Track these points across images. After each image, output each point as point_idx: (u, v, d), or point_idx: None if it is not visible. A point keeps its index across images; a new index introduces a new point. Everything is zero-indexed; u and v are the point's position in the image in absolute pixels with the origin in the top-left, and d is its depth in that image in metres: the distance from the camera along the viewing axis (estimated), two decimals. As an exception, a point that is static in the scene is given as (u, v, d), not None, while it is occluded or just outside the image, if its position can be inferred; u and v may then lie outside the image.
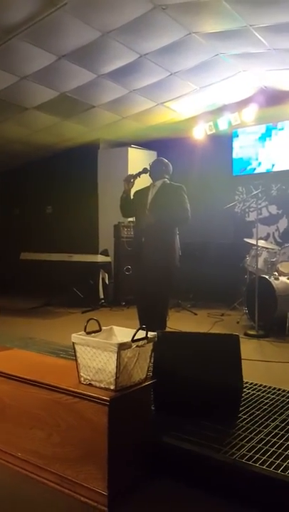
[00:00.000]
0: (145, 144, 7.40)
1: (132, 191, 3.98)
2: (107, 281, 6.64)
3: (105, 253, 6.80)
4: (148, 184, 3.96)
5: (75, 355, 1.97)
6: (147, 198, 3.87)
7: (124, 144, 7.32)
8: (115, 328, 2.16)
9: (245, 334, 4.61)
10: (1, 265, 7.89)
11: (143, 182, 4.03)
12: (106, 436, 1.81)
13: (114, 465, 1.85)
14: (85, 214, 7.55)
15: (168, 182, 3.92)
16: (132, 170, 7.15)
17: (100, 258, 6.49)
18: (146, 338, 1.96)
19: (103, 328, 2.13)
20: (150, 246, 3.72)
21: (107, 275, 6.64)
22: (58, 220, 8.00)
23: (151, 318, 3.78)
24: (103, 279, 6.58)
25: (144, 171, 3.93)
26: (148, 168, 3.97)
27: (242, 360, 2.39)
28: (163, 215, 3.69)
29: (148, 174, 3.97)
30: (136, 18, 4.03)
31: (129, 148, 7.24)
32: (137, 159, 7.30)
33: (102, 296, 6.53)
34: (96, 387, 1.90)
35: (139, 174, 3.95)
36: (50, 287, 6.51)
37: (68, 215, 7.77)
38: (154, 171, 3.93)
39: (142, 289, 3.88)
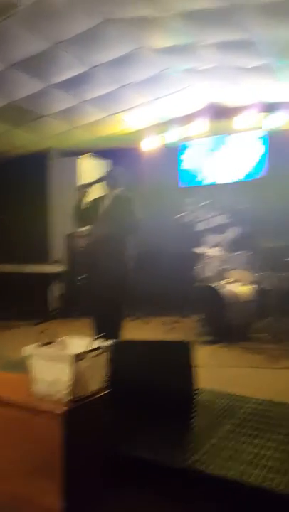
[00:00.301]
0: (96, 154, 7.42)
1: (86, 200, 4.00)
2: (59, 292, 6.55)
3: (57, 263, 6.72)
4: (103, 193, 4.00)
5: (28, 369, 1.94)
6: (100, 208, 3.91)
7: (76, 154, 7.31)
8: (69, 339, 2.15)
9: (197, 341, 4.71)
10: None
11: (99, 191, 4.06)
12: (61, 449, 1.79)
13: (70, 479, 1.83)
14: (36, 224, 7.43)
15: (121, 193, 3.98)
16: (84, 179, 7.18)
17: (52, 268, 6.40)
18: (101, 347, 1.97)
19: (56, 339, 2.11)
20: (102, 256, 3.76)
21: (59, 286, 6.56)
22: (8, 230, 7.79)
23: (105, 327, 3.81)
24: (55, 289, 6.49)
25: (100, 180, 3.96)
26: (104, 177, 4.01)
27: (195, 367, 2.45)
28: (113, 226, 3.76)
29: (104, 183, 4.01)
30: (86, 30, 4.07)
31: (80, 159, 7.23)
32: (89, 169, 7.31)
33: (54, 306, 6.43)
34: (49, 400, 1.88)
35: (93, 183, 3.97)
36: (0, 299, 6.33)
37: (19, 224, 7.60)
38: (109, 180, 3.97)
39: (95, 299, 3.91)
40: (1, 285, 6.25)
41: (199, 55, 4.55)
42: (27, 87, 5.10)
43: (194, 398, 2.44)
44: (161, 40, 4.36)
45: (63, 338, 2.15)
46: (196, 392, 2.48)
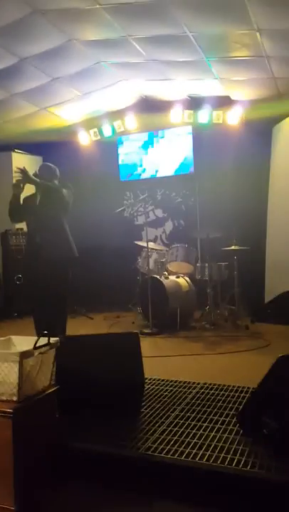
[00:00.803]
0: (30, 148, 7.21)
1: (21, 197, 3.94)
2: (-4, 293, 6.32)
3: (-7, 263, 6.48)
4: (35, 189, 3.94)
5: (-28, 370, 1.87)
6: (36, 201, 3.87)
7: (7, 148, 7.05)
8: (14, 338, 2.10)
9: (141, 333, 4.77)
10: None
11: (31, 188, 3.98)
12: (11, 450, 1.75)
13: (21, 478, 1.80)
14: None
15: (50, 183, 3.97)
16: (17, 175, 6.95)
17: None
18: (48, 344, 1.94)
19: (1, 338, 2.05)
20: (46, 242, 3.74)
21: (-5, 286, 6.33)
22: None
23: (48, 323, 3.78)
24: (-8, 290, 6.26)
25: (33, 175, 3.89)
26: (36, 173, 3.95)
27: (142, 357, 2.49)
28: (52, 210, 3.75)
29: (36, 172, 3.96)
30: (14, 21, 3.93)
31: (13, 153, 6.99)
32: (22, 164, 7.01)
33: (-9, 308, 6.20)
34: (-3, 400, 1.83)
35: (25, 179, 3.89)
36: None
37: None
38: (42, 176, 3.92)
39: (38, 292, 3.85)
40: None
41: (130, 48, 4.57)
42: None
43: (142, 388, 2.48)
44: (92, 33, 4.34)
45: (8, 337, 2.09)
46: (144, 382, 2.52)
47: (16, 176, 3.80)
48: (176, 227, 6.83)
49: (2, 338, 2.07)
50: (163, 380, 3.16)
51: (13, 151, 6.99)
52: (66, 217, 3.96)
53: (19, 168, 3.78)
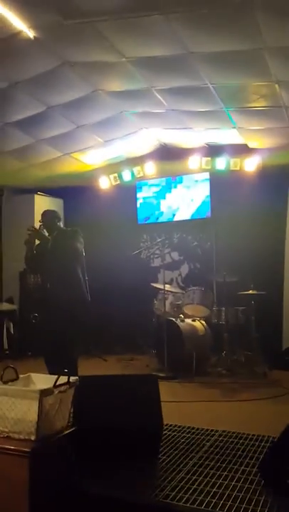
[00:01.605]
0: (52, 191, 7.44)
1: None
2: (11, 331, 6.32)
3: (10, 300, 6.53)
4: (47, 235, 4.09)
5: (-8, 407, 1.86)
6: (47, 247, 3.97)
7: (30, 191, 7.28)
8: (33, 375, 2.09)
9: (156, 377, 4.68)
10: None
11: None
12: (27, 491, 1.70)
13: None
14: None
15: (62, 228, 4.11)
16: (39, 217, 7.15)
17: (5, 306, 6.21)
18: (68, 383, 1.93)
19: (20, 376, 2.05)
20: (55, 288, 3.80)
21: (11, 324, 6.34)
22: None
23: (60, 365, 3.76)
24: (8, 328, 6.27)
25: (40, 228, 4.04)
26: (43, 219, 4.09)
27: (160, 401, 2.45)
28: (63, 262, 3.82)
29: (43, 227, 4.08)
30: (44, 72, 4.18)
31: (36, 196, 7.22)
32: (44, 206, 7.27)
33: (6, 346, 6.19)
34: (14, 439, 1.80)
35: (38, 228, 4.06)
36: None
37: None
38: (46, 222, 4.05)
39: (49, 334, 3.88)
40: None
41: (153, 99, 4.78)
42: (-18, 125, 5.10)
43: (161, 433, 2.42)
44: (117, 84, 4.57)
45: (28, 374, 2.08)
46: (163, 426, 2.46)
47: (29, 233, 3.93)
48: (192, 270, 6.84)
49: (22, 375, 2.06)
50: (180, 427, 3.07)
51: (36, 193, 7.21)
52: (79, 262, 4.02)
53: (32, 228, 3.92)
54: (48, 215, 4.14)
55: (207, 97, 4.58)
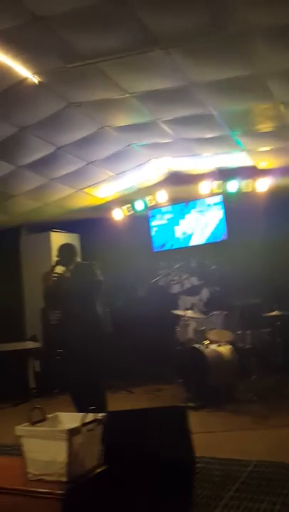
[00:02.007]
0: (67, 227, 7.56)
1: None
2: (37, 369, 6.31)
3: (34, 338, 6.55)
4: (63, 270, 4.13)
5: (21, 450, 1.84)
6: (64, 283, 4.00)
7: (46, 228, 7.41)
8: (61, 414, 2.07)
9: (185, 407, 4.58)
10: None
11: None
12: (61, 536, 1.66)
13: None
14: (9, 300, 7.30)
15: (79, 262, 4.14)
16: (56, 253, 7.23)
17: (29, 345, 6.23)
18: (96, 420, 1.90)
19: (48, 416, 2.03)
20: (75, 324, 3.79)
21: (37, 362, 6.34)
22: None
23: (88, 402, 3.72)
24: (33, 366, 6.26)
25: (56, 263, 4.09)
26: (56, 258, 4.14)
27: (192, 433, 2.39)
28: (82, 296, 3.84)
29: (59, 262, 4.13)
30: (51, 115, 4.32)
31: (52, 233, 7.33)
32: (60, 243, 7.37)
33: (33, 385, 6.16)
34: (46, 481, 1.77)
35: (54, 266, 4.10)
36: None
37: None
38: (63, 257, 4.09)
39: (73, 371, 3.87)
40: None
41: (159, 130, 4.88)
42: (-5, 169, 5.26)
43: (194, 466, 2.35)
44: (122, 119, 4.68)
45: (55, 414, 2.07)
46: (196, 459, 2.38)
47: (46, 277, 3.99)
48: (212, 294, 6.76)
49: (49, 415, 2.05)
50: (212, 458, 2.98)
51: (52, 230, 7.33)
52: (98, 295, 4.03)
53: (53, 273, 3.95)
54: (63, 250, 4.19)
55: (213, 124, 4.66)
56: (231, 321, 5.21)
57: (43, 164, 5.33)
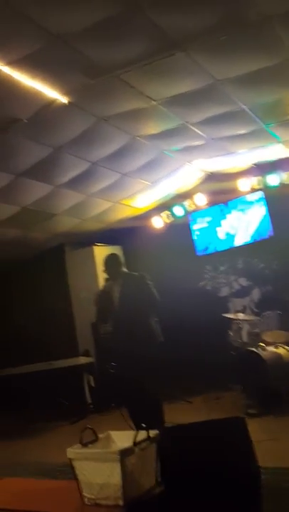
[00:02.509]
0: (108, 239, 7.60)
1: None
2: (92, 384, 6.34)
3: (86, 353, 6.60)
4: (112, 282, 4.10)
5: (74, 473, 1.81)
6: (114, 295, 3.96)
7: (89, 243, 7.49)
8: (113, 434, 2.03)
9: (246, 414, 4.41)
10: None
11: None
12: None
13: None
14: (59, 317, 7.42)
15: (128, 273, 4.07)
16: (100, 266, 7.28)
17: (83, 360, 6.28)
18: (148, 438, 1.84)
19: (99, 435, 1.99)
20: (129, 341, 3.75)
21: (91, 377, 6.37)
22: (33, 328, 7.72)
23: (146, 414, 3.68)
24: (88, 382, 6.29)
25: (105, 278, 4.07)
26: (103, 268, 4.10)
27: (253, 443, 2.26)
28: (136, 306, 3.78)
29: (104, 272, 4.10)
30: (83, 131, 4.37)
31: (94, 247, 7.40)
32: (104, 255, 7.43)
33: (89, 400, 6.19)
34: (103, 505, 1.73)
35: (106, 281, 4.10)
36: (32, 400, 6.14)
37: (44, 321, 7.58)
38: (109, 269, 4.05)
39: (127, 384, 3.83)
40: (32, 386, 6.08)
41: (190, 133, 4.80)
42: (36, 191, 5.38)
43: (260, 479, 2.22)
44: (152, 127, 4.65)
45: (107, 433, 2.02)
46: (261, 471, 2.26)
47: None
48: (264, 294, 6.54)
49: (101, 435, 2.01)
50: (280, 469, 2.81)
51: (95, 244, 7.39)
52: (154, 306, 3.96)
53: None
54: (110, 262, 4.13)
55: (245, 119, 4.53)
56: (287, 320, 4.98)
57: (79, 181, 5.40)
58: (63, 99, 3.75)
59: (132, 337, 3.75)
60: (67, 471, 3.16)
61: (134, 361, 3.70)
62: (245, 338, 4.97)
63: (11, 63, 3.19)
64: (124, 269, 4.10)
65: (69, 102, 3.80)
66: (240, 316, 5.27)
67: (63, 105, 3.82)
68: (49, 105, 3.79)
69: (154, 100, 3.98)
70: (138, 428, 3.19)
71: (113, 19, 2.80)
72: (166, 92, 3.87)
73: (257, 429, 3.89)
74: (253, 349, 4.76)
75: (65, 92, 3.68)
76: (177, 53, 3.20)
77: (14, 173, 4.82)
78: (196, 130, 4.75)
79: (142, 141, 4.87)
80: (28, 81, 3.44)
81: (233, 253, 6.73)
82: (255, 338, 4.99)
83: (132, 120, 4.39)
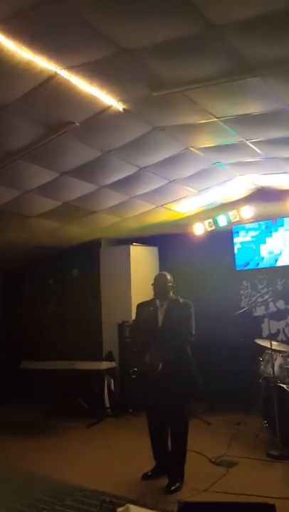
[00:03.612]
0: (146, 240, 7.45)
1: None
2: (112, 388, 6.27)
3: (110, 356, 6.52)
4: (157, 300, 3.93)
5: None
6: (157, 315, 3.80)
7: (126, 242, 7.36)
8: (132, 508, 1.88)
9: (268, 455, 4.22)
10: (1, 372, 7.50)
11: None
12: None
13: None
14: (87, 314, 7.35)
15: (175, 298, 3.90)
16: (135, 267, 7.16)
17: (105, 365, 6.19)
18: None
19: (118, 510, 1.85)
20: (168, 373, 3.61)
21: (112, 381, 6.29)
22: (60, 323, 7.72)
23: (172, 429, 3.77)
24: (108, 385, 6.22)
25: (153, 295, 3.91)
26: (152, 284, 3.93)
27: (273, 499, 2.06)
28: (177, 334, 3.64)
29: (153, 289, 3.93)
30: (135, 139, 4.16)
31: (131, 246, 7.25)
32: (139, 256, 7.30)
33: (107, 404, 6.13)
34: None
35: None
36: (52, 397, 6.13)
37: (70, 316, 7.55)
38: (159, 287, 3.87)
39: (156, 414, 3.74)
40: (54, 383, 6.07)
41: (247, 150, 4.51)
42: (79, 189, 5.24)
43: None
44: (208, 140, 4.39)
45: (127, 505, 1.88)
46: None
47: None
48: (299, 322, 6.26)
49: (120, 509, 1.87)
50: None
51: (132, 244, 7.24)
52: (191, 340, 3.82)
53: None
54: (161, 281, 3.94)
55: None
56: None
57: (124, 184, 5.22)
58: (119, 106, 3.56)
59: (171, 371, 3.63)
60: (76, 497, 3.10)
61: (170, 393, 3.60)
62: (276, 371, 4.72)
63: (69, 68, 3.01)
64: (171, 293, 3.93)
65: (124, 109, 3.60)
66: (274, 344, 5.00)
67: (118, 112, 3.62)
68: (104, 111, 3.61)
69: (216, 117, 3.72)
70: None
71: (187, 38, 2.56)
72: (231, 111, 3.61)
73: (281, 480, 3.68)
74: (284, 386, 4.52)
75: (122, 100, 3.49)
76: (250, 78, 2.93)
77: (59, 171, 4.68)
78: (255, 148, 4.46)
79: (195, 151, 4.62)
80: (86, 86, 3.26)
81: (274, 273, 6.44)
82: (287, 373, 4.74)
83: (188, 132, 4.16)
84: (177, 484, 3.57)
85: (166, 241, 7.31)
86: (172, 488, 3.53)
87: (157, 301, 3.85)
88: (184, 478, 3.66)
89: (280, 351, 5.00)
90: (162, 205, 6.24)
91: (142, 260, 7.27)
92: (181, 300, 3.87)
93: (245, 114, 3.63)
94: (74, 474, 3.90)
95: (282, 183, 5.92)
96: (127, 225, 6.91)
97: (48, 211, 5.76)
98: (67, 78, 3.12)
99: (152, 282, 3.96)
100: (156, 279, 3.95)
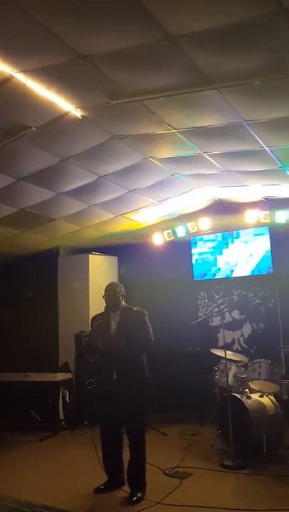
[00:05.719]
0: (106, 249, 7.40)
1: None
2: (67, 399, 6.13)
3: (66, 367, 6.38)
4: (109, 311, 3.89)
5: None
6: (110, 326, 3.76)
7: (85, 251, 7.28)
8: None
9: (221, 465, 4.23)
10: None
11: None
12: None
13: None
14: (44, 324, 7.18)
15: (128, 307, 3.88)
16: (93, 276, 7.08)
17: (60, 376, 6.04)
18: None
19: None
20: (123, 382, 3.57)
21: (67, 392, 6.15)
22: (15, 334, 7.48)
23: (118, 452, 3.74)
24: (63, 397, 6.07)
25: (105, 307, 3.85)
26: (104, 295, 3.88)
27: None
28: (131, 343, 3.61)
29: (104, 299, 3.88)
30: (94, 146, 4.14)
31: (90, 255, 7.18)
32: (98, 265, 7.24)
33: (62, 416, 5.97)
34: None
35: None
36: (5, 410, 5.91)
37: (26, 327, 7.34)
38: (110, 298, 3.83)
39: (110, 425, 3.68)
40: (6, 395, 5.85)
41: (205, 162, 4.59)
42: (37, 196, 5.14)
43: None
44: (166, 151, 4.44)
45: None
46: None
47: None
48: (255, 331, 6.39)
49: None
50: None
51: (90, 253, 7.17)
52: (148, 348, 3.79)
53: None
54: (112, 292, 3.88)
55: (264, 159, 4.33)
56: (276, 371, 4.73)
57: (83, 191, 5.18)
58: (77, 113, 3.53)
59: (126, 380, 3.60)
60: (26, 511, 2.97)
61: (124, 403, 3.56)
62: (231, 380, 4.77)
63: (25, 71, 2.95)
64: (123, 301, 3.88)
65: (82, 116, 3.57)
66: (229, 354, 5.06)
67: (76, 118, 3.59)
68: (61, 117, 3.57)
69: (174, 129, 3.76)
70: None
71: (145, 48, 2.58)
72: (189, 123, 3.66)
73: (232, 491, 3.65)
74: (238, 396, 4.57)
75: (80, 107, 3.46)
76: (208, 90, 2.98)
77: (15, 176, 4.58)
78: (212, 161, 4.55)
79: (154, 162, 4.65)
80: (43, 91, 3.21)
81: (230, 284, 6.55)
82: (241, 383, 4.79)
83: (147, 142, 4.18)
84: (139, 495, 3.53)
85: (126, 250, 7.30)
86: (134, 498, 3.49)
87: (110, 312, 3.80)
88: (145, 488, 3.61)
89: (234, 361, 5.06)
90: (122, 215, 6.23)
91: (101, 269, 7.22)
92: (135, 308, 3.85)
93: (203, 127, 3.69)
94: (24, 490, 3.76)
95: (239, 196, 6.06)
96: (86, 234, 6.85)
97: (3, 217, 5.61)
98: (24, 82, 3.06)
99: (103, 294, 3.91)
100: (106, 290, 3.90)
